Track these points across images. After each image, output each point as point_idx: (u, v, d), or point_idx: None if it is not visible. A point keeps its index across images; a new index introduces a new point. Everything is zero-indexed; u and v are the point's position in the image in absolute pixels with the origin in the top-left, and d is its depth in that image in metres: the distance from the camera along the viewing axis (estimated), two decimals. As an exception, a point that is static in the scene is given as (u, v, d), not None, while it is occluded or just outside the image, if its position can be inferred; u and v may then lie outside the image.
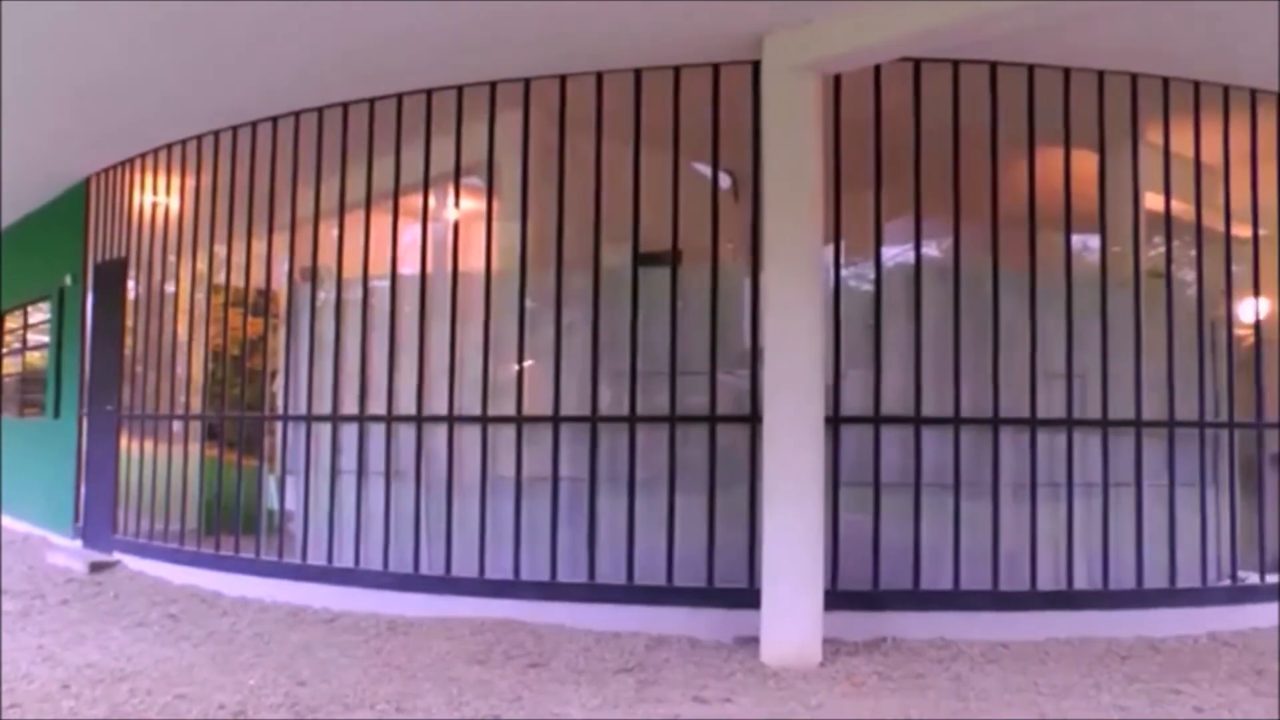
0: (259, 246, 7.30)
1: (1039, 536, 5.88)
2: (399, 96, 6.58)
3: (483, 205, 6.55)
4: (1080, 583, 5.94)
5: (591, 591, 5.91)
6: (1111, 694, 4.70)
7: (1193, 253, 6.42)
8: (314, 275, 7.00)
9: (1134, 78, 6.14)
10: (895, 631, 5.59)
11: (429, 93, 6.50)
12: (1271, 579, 6.31)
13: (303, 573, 6.66)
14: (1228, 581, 6.28)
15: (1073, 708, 4.48)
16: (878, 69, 5.83)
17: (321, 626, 5.95)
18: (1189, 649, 5.57)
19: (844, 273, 5.98)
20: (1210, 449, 6.32)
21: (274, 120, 7.12)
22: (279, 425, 7.30)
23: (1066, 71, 6.03)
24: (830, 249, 5.85)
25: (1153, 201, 6.36)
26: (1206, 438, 6.28)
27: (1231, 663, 5.30)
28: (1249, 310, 6.65)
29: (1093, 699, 4.63)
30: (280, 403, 7.30)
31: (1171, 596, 5.98)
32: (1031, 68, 5.98)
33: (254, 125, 7.24)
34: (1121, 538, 5.98)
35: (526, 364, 6.29)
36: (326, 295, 6.96)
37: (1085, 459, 6.00)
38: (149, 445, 7.93)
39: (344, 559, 6.59)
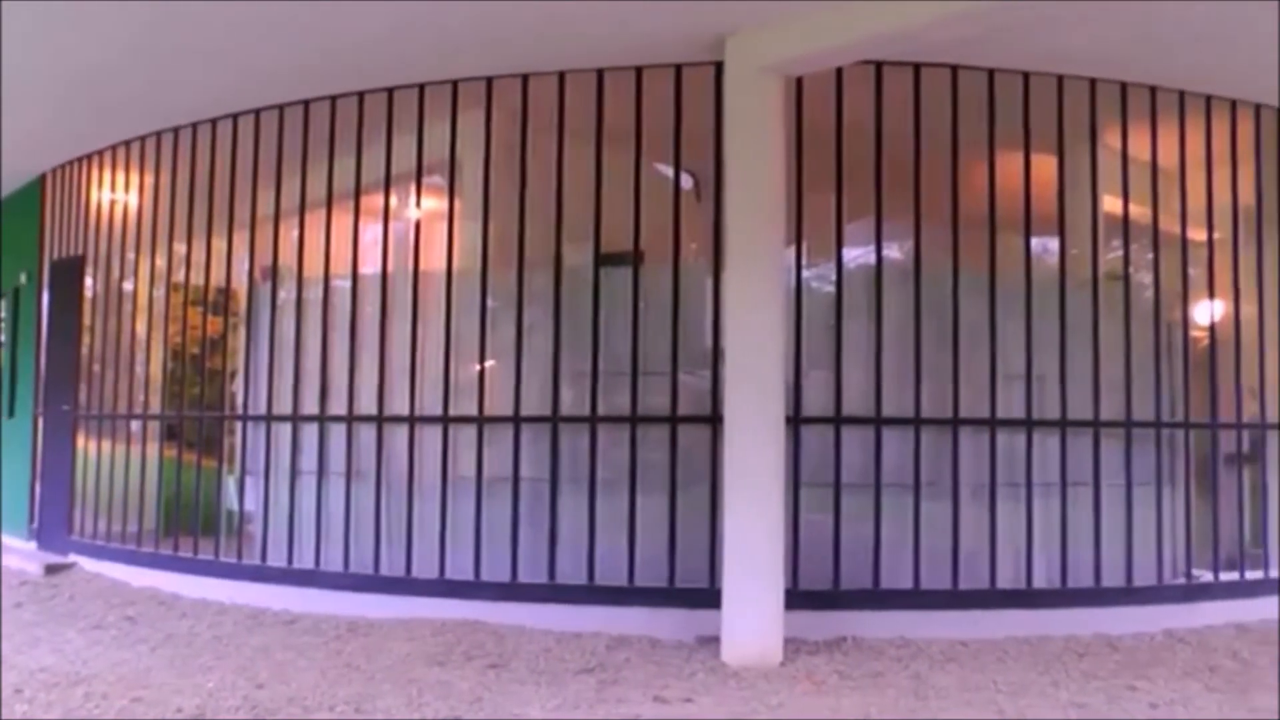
0: (219, 245, 7.23)
1: (998, 536, 5.94)
2: (360, 95, 6.54)
3: (444, 204, 6.52)
4: (1039, 581, 6.00)
5: (552, 592, 5.90)
6: (1069, 691, 4.76)
7: (1150, 256, 6.49)
8: (274, 274, 6.95)
9: (1092, 83, 6.22)
10: (855, 630, 5.62)
11: (390, 91, 6.47)
12: (1225, 577, 6.40)
13: (262, 574, 6.60)
14: (1183, 580, 6.37)
15: (1031, 705, 4.53)
16: (839, 71, 5.86)
17: (281, 628, 5.90)
18: (1145, 646, 5.64)
19: (805, 274, 6.01)
20: (1166, 449, 6.40)
21: (234, 118, 7.05)
22: (239, 425, 7.24)
23: (1026, 76, 6.10)
24: (792, 250, 5.87)
25: (1111, 205, 6.43)
26: (1163, 438, 6.36)
27: (1186, 659, 5.39)
28: (1204, 313, 6.76)
29: (1051, 696, 4.68)
30: (240, 402, 7.23)
31: (1128, 595, 6.06)
32: (992, 72, 6.04)
33: (214, 123, 7.16)
34: (1079, 537, 6.06)
35: (488, 364, 6.27)
36: (287, 294, 6.91)
37: (1044, 459, 6.06)
38: (106, 445, 7.83)
39: (304, 560, 6.53)
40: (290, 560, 6.57)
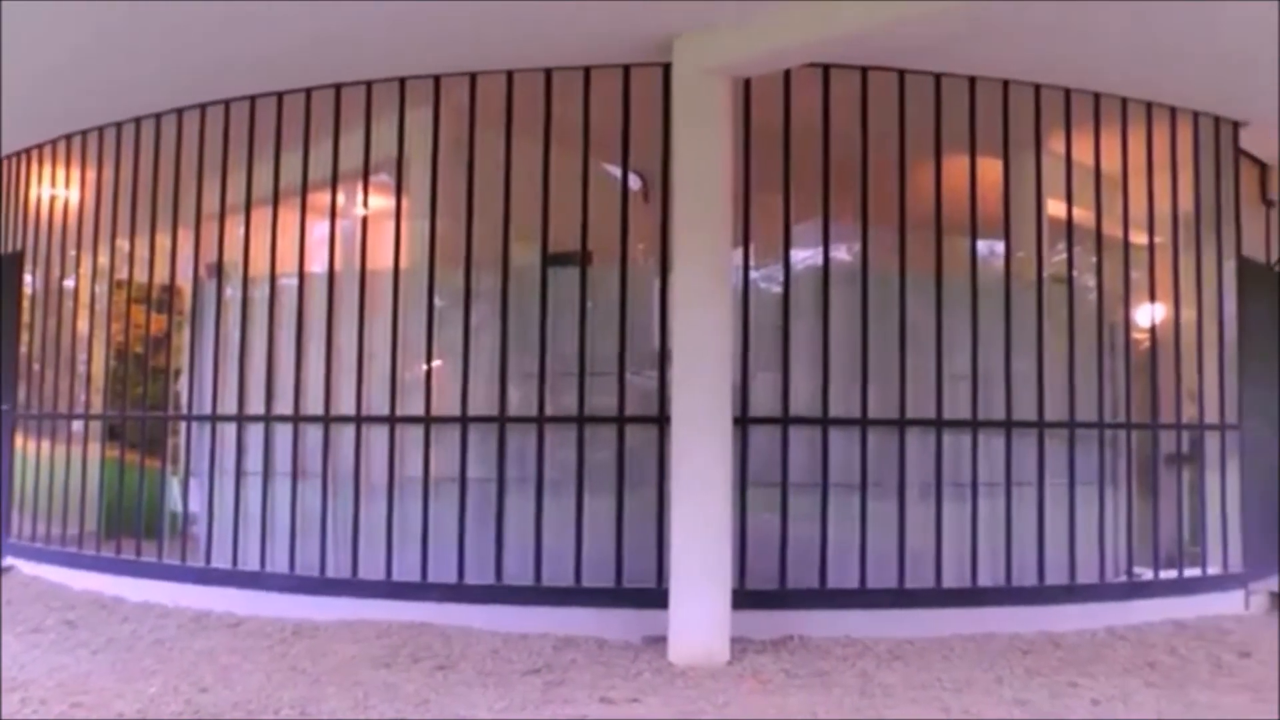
0: (163, 241, 7.10)
1: (944, 535, 6.01)
2: (307, 91, 6.47)
3: (391, 203, 6.46)
4: (984, 580, 6.07)
5: (499, 593, 5.87)
6: (1013, 688, 4.82)
7: (1093, 259, 6.59)
8: (220, 272, 6.86)
9: (1037, 88, 6.30)
10: (802, 630, 5.65)
11: (338, 88, 6.41)
12: (1165, 575, 6.52)
13: (206, 576, 6.51)
14: (1124, 578, 6.48)
15: (975, 702, 4.58)
16: (787, 74, 5.89)
17: (225, 631, 5.82)
18: (1087, 643, 5.73)
19: (753, 274, 6.02)
20: (1109, 449, 6.50)
21: (179, 113, 6.94)
22: (183, 425, 7.12)
23: (972, 80, 6.16)
24: (739, 251, 5.88)
25: (1055, 209, 6.52)
26: (1105, 438, 6.46)
27: (1127, 656, 5.48)
28: (1146, 316, 6.87)
29: (994, 693, 4.73)
30: (184, 402, 7.13)
31: (1071, 592, 6.15)
32: (938, 76, 6.10)
33: (158, 118, 7.05)
34: (1024, 536, 6.14)
35: (435, 364, 6.24)
36: (233, 292, 6.82)
37: (989, 459, 6.13)
38: (46, 446, 7.67)
39: (249, 562, 6.44)
40: (235, 562, 6.48)
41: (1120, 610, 6.19)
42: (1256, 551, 6.94)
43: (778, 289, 6.06)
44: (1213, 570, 6.68)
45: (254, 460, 6.56)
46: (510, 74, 6.10)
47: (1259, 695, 4.73)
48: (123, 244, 7.32)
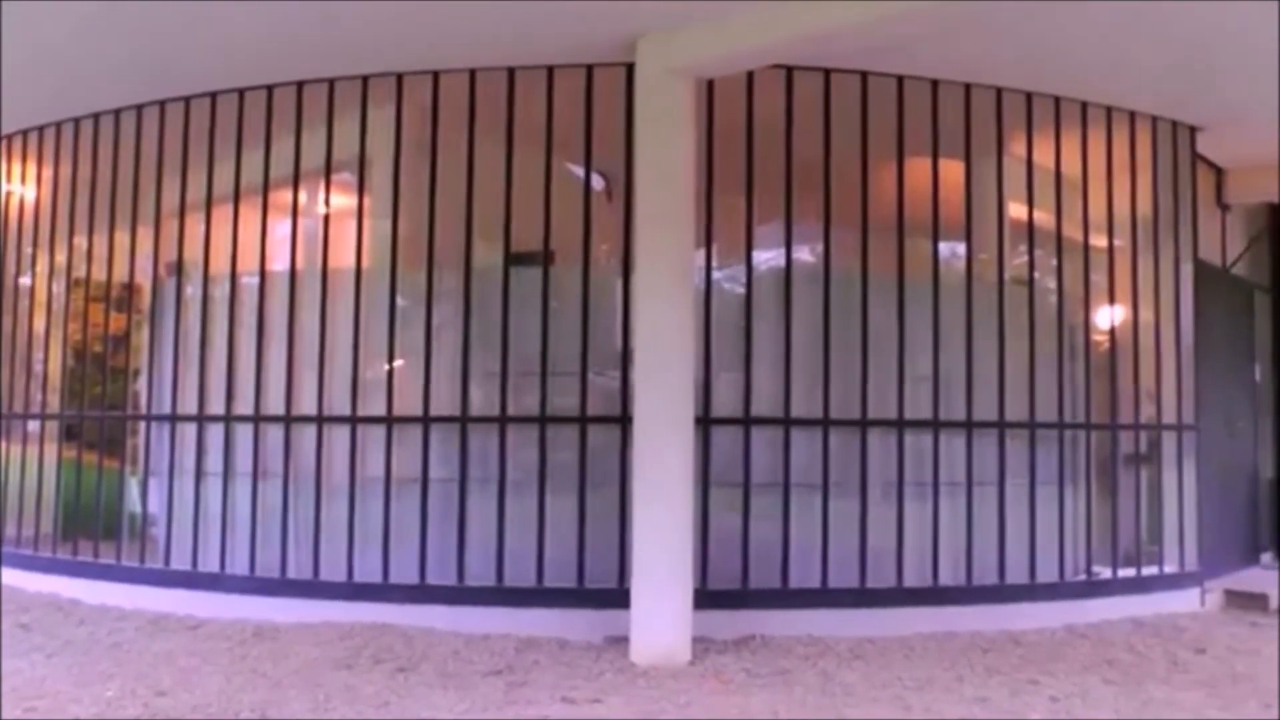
0: (122, 239, 7.03)
1: (905, 535, 6.05)
2: (269, 89, 6.42)
3: (353, 202, 6.44)
4: (945, 579, 6.12)
5: (461, 594, 5.85)
6: (973, 686, 4.86)
7: (1054, 262, 6.66)
8: (180, 270, 6.79)
9: (998, 92, 6.35)
10: (764, 629, 5.67)
11: (299, 85, 6.35)
12: (1123, 573, 6.60)
13: (166, 578, 6.43)
14: (1083, 576, 6.55)
15: (936, 700, 4.62)
16: (750, 75, 5.91)
17: (185, 634, 5.76)
18: (1047, 641, 5.79)
19: (716, 275, 6.04)
20: (1069, 449, 6.57)
21: (139, 109, 6.86)
22: (142, 425, 7.04)
23: (934, 84, 6.20)
24: (702, 252, 5.89)
25: (1016, 211, 6.59)
26: (1065, 438, 6.53)
27: (1086, 653, 5.53)
28: (1105, 317, 6.95)
29: (955, 691, 4.77)
30: (143, 402, 7.04)
31: (1031, 591, 6.22)
32: (901, 79, 6.13)
33: (117, 114, 6.95)
34: (985, 535, 6.19)
35: (397, 364, 6.21)
36: (193, 291, 6.74)
37: (950, 459, 6.18)
38: (2, 446, 7.57)
39: (209, 564, 6.39)
40: (194, 564, 6.42)
41: (1079, 608, 6.26)
42: (1212, 550, 7.04)
43: (740, 289, 6.08)
44: (1170, 569, 6.78)
45: (214, 460, 6.50)
46: (473, 73, 6.08)
47: (1213, 691, 4.80)
48: (81, 242, 7.21)
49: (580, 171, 6.11)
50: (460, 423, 6.00)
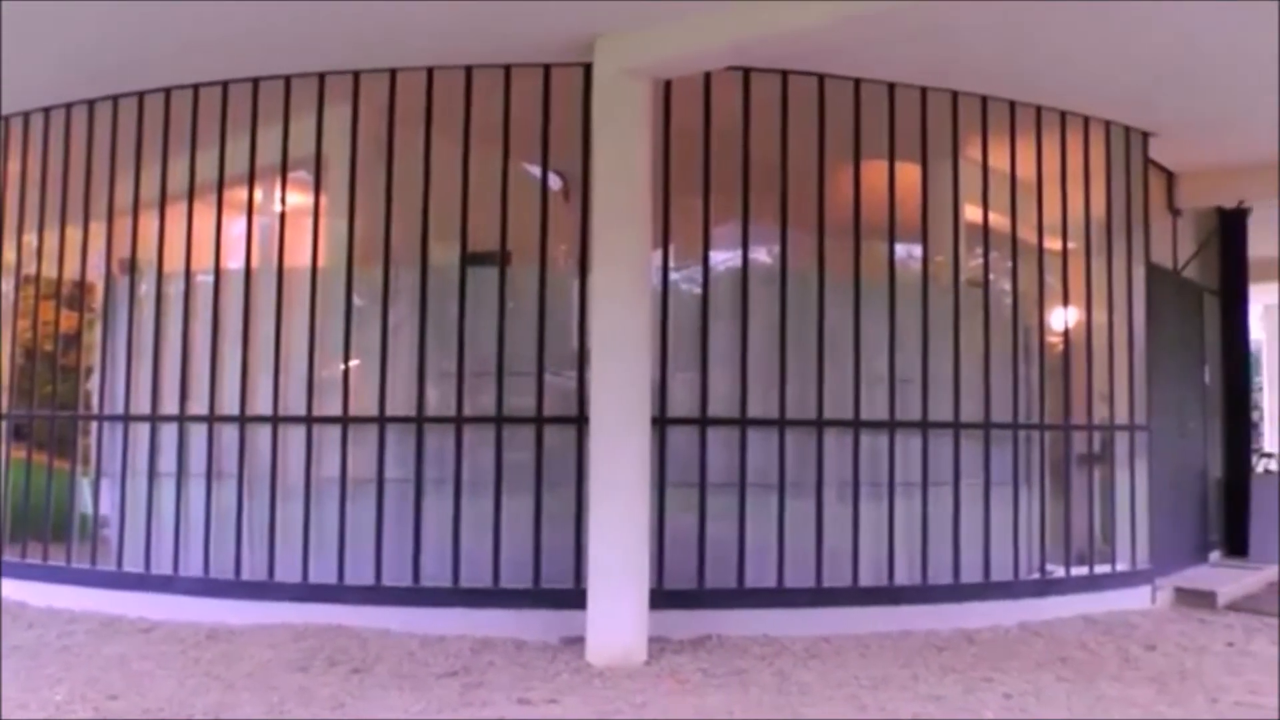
0: (74, 236, 6.92)
1: (861, 534, 6.10)
2: (224, 85, 6.36)
3: (309, 200, 6.38)
4: (900, 578, 6.17)
5: (417, 595, 5.83)
6: (928, 684, 4.90)
7: (1009, 264, 6.73)
8: (133, 268, 6.70)
9: (954, 95, 6.42)
10: (720, 629, 5.69)
11: (255, 82, 6.30)
12: (1076, 572, 6.69)
13: (118, 581, 6.35)
14: (1037, 575, 6.62)
15: (891, 698, 4.65)
16: (708, 76, 5.93)
17: (137, 637, 5.69)
18: (1001, 639, 5.86)
19: (673, 276, 6.06)
20: (1023, 450, 6.64)
21: (90, 104, 6.77)
22: (94, 425, 6.93)
23: (891, 87, 6.27)
24: (659, 252, 5.91)
25: (972, 214, 6.65)
26: (1019, 439, 6.61)
27: (1039, 651, 5.61)
28: (1060, 319, 7.04)
29: (910, 689, 4.81)
30: (96, 401, 6.92)
31: (986, 590, 6.29)
32: (857, 81, 6.19)
33: (68, 108, 6.86)
34: (940, 535, 6.26)
35: (353, 363, 6.17)
36: (147, 289, 6.66)
37: (906, 459, 6.24)
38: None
39: (162, 566, 6.31)
40: (147, 566, 6.34)
41: (1033, 607, 6.33)
42: (1163, 548, 7.15)
43: (697, 290, 6.09)
44: (1122, 567, 6.87)
45: (168, 461, 6.42)
46: (430, 71, 6.05)
47: (1163, 687, 4.88)
48: (31, 239, 7.10)
49: (537, 171, 6.11)
50: (416, 423, 5.98)
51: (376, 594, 5.87)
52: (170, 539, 6.33)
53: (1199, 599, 6.96)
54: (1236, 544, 8.56)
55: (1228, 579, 7.47)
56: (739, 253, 6.08)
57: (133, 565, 6.40)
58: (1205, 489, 8.50)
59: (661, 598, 5.51)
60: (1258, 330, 14.39)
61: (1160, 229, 7.80)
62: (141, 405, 6.53)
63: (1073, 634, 5.99)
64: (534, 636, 5.60)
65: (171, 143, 6.55)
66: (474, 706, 4.48)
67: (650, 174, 5.52)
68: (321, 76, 6.20)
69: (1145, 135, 7.25)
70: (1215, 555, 8.44)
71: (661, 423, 5.78)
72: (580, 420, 5.70)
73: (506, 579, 5.82)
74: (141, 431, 6.54)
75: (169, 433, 6.44)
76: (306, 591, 5.94)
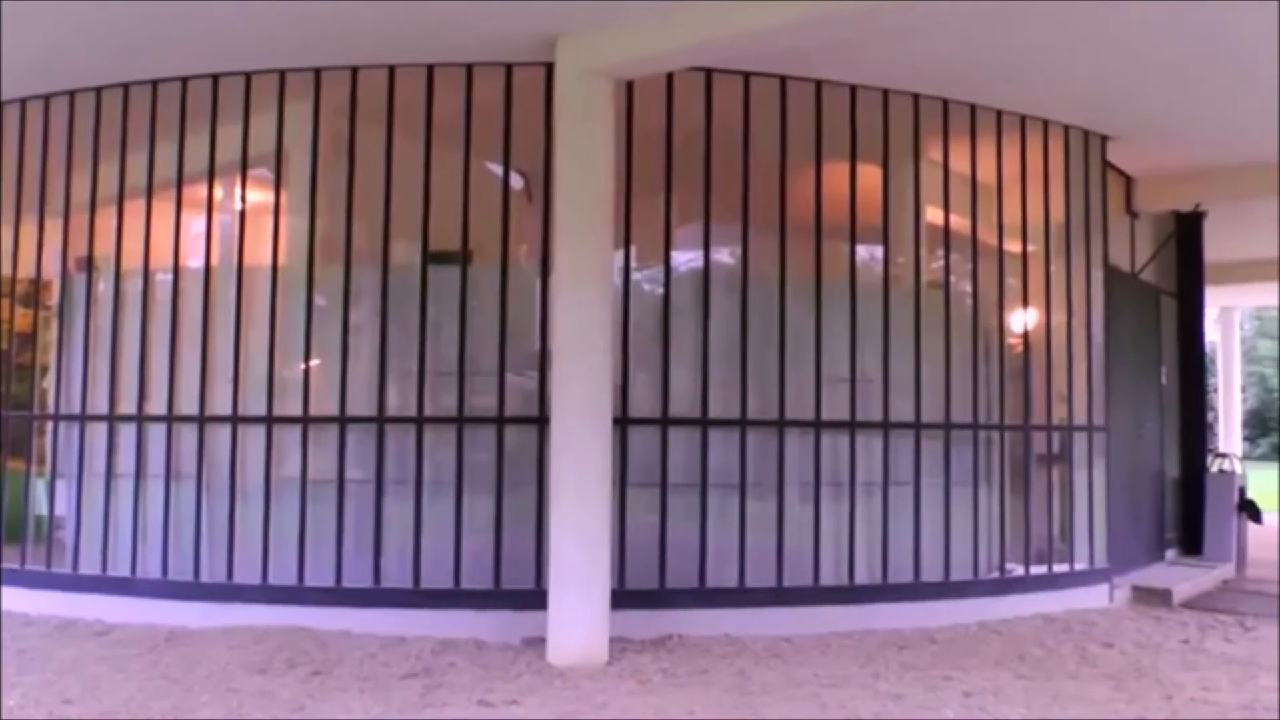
0: (29, 233, 6.83)
1: (822, 534, 6.14)
2: (183, 80, 6.29)
3: (270, 198, 6.34)
4: (861, 577, 6.22)
5: (378, 596, 5.81)
6: (889, 683, 4.93)
7: (969, 266, 6.79)
8: (90, 265, 6.62)
9: (916, 98, 6.47)
10: (681, 629, 5.70)
11: (215, 78, 6.24)
12: (1035, 570, 6.76)
13: (74, 583, 6.27)
14: (997, 574, 6.69)
15: (852, 697, 4.68)
16: (670, 77, 5.94)
17: (94, 640, 5.62)
18: (961, 637, 5.92)
19: (634, 276, 6.07)
20: (983, 450, 6.71)
21: (46, 99, 6.67)
22: (50, 425, 6.84)
23: (853, 89, 6.30)
24: (621, 252, 5.91)
25: (933, 216, 6.71)
26: (979, 439, 6.67)
27: (999, 649, 5.67)
28: (1019, 321, 7.11)
29: (871, 688, 4.84)
30: (51, 401, 6.83)
31: (946, 589, 6.35)
32: (819, 83, 6.22)
33: (23, 102, 6.76)
34: (900, 534, 6.31)
35: (313, 363, 6.12)
36: (104, 287, 6.58)
37: (867, 459, 6.29)
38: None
39: (119, 568, 6.23)
40: (104, 568, 6.26)
41: (993, 605, 6.40)
42: (1120, 547, 7.26)
43: (659, 290, 6.11)
44: (1080, 565, 6.96)
45: (126, 461, 6.36)
46: (392, 69, 6.02)
47: (1119, 684, 4.94)
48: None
49: (499, 170, 6.09)
50: (377, 423, 5.95)
51: (337, 595, 5.83)
52: (128, 540, 6.25)
53: (1155, 597, 7.05)
54: (1192, 543, 8.70)
55: (1183, 577, 7.59)
56: (701, 253, 6.11)
57: (89, 567, 6.32)
58: (1161, 488, 8.62)
59: (623, 598, 5.51)
60: (1213, 332, 14.65)
61: (1118, 232, 7.89)
62: (99, 405, 6.45)
63: (1031, 632, 6.05)
64: (495, 637, 5.59)
65: (130, 139, 6.48)
66: (435, 708, 4.47)
67: (612, 174, 5.52)
68: (282, 73, 6.15)
69: (1104, 139, 7.35)
70: (1171, 554, 8.57)
71: (623, 423, 5.78)
72: (542, 420, 5.70)
73: (468, 580, 5.81)
74: (99, 431, 6.46)
75: (127, 433, 6.37)
76: (266, 593, 5.90)
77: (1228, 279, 11.17)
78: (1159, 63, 5.99)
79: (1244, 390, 22.58)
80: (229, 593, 5.95)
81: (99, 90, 6.52)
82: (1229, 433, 15.11)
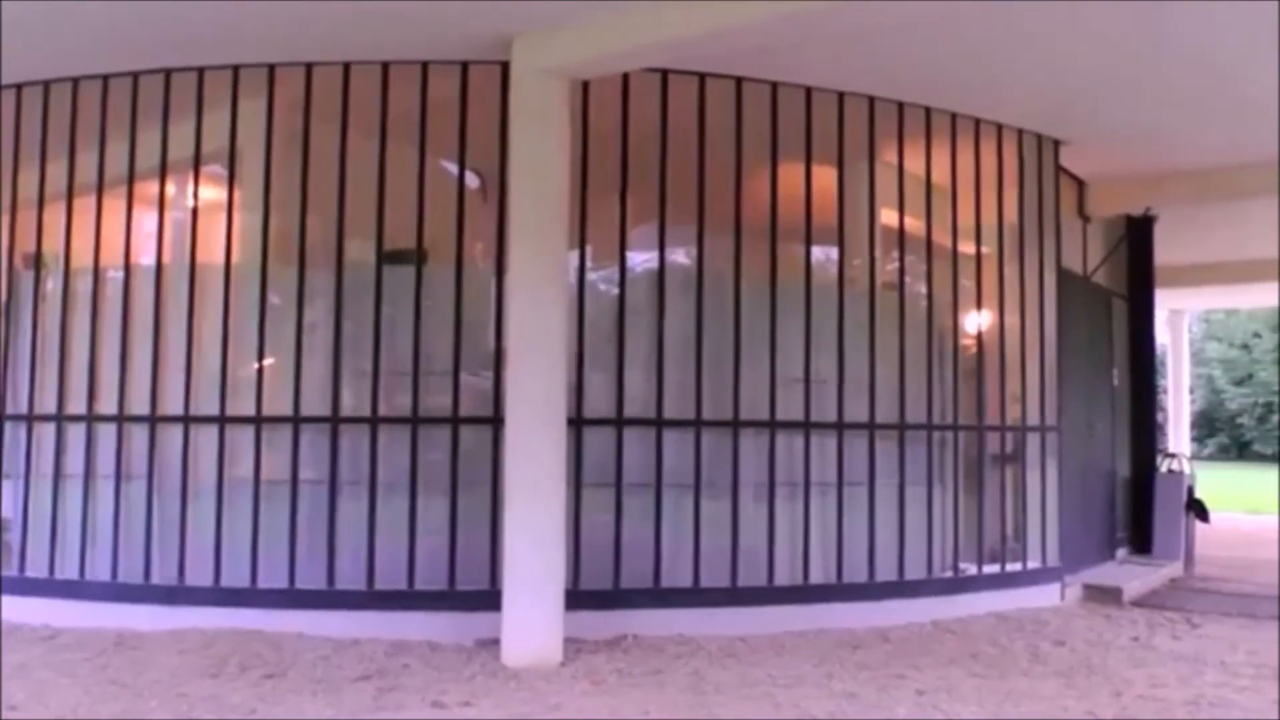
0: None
1: (777, 534, 6.16)
2: (134, 76, 6.21)
3: (223, 195, 6.26)
4: (816, 577, 6.25)
5: (331, 598, 5.75)
6: (842, 682, 4.96)
7: (924, 267, 6.85)
8: (38, 262, 6.52)
9: (871, 100, 6.51)
10: (636, 629, 5.71)
11: (167, 73, 6.16)
12: (988, 570, 6.84)
13: (20, 586, 6.14)
14: (950, 573, 6.75)
15: (806, 696, 4.71)
16: (626, 78, 5.95)
17: (40, 645, 5.52)
18: (915, 637, 5.97)
19: (590, 276, 6.06)
20: (937, 450, 6.76)
21: (-8, 92, 6.57)
22: (-5, 425, 6.75)
23: (808, 91, 6.34)
24: (577, 252, 5.90)
25: (888, 218, 6.77)
26: (934, 439, 6.73)
27: (952, 648, 5.72)
28: (973, 322, 7.19)
29: (824, 687, 4.87)
30: (-2, 401, 6.75)
31: (900, 588, 6.40)
32: (775, 85, 6.26)
33: (-33, 96, 6.66)
34: (855, 534, 6.35)
35: (266, 362, 6.06)
36: (53, 285, 6.47)
37: (822, 460, 6.32)
38: None
39: (67, 570, 6.13)
40: (51, 570, 6.15)
41: (946, 604, 6.46)
42: (1072, 546, 7.35)
43: (614, 291, 6.11)
44: (1032, 564, 7.04)
45: (74, 462, 6.24)
46: (347, 66, 5.98)
47: (1070, 681, 5.01)
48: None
49: (455, 169, 6.07)
50: (331, 423, 5.90)
51: (290, 597, 5.77)
52: (76, 543, 6.14)
53: (1106, 595, 7.15)
54: (1141, 541, 8.83)
55: (1133, 575, 7.71)
56: (656, 254, 6.11)
57: (36, 570, 6.21)
58: (1112, 488, 8.75)
59: (577, 598, 5.52)
60: (1163, 334, 14.89)
61: (1071, 235, 8.00)
62: (47, 404, 6.34)
63: (984, 630, 6.12)
64: (449, 639, 5.56)
65: (80, 134, 6.38)
66: (388, 710, 4.44)
67: (568, 174, 5.51)
68: (235, 69, 6.08)
69: (1056, 143, 7.44)
70: (1122, 552, 8.70)
71: (578, 423, 5.78)
72: (496, 420, 5.67)
73: (422, 581, 5.77)
74: (47, 431, 6.34)
75: (76, 433, 6.26)
76: (218, 595, 5.83)
77: (1177, 282, 11.36)
78: (1110, 69, 6.09)
79: (1192, 392, 23.00)
80: (180, 595, 5.87)
81: (47, 84, 6.40)
82: (1178, 433, 15.36)
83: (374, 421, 5.88)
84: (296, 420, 5.91)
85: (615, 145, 6.01)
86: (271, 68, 6.05)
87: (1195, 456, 13.41)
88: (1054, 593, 7.01)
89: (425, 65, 5.93)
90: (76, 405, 6.26)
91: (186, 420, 6.05)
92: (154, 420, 6.10)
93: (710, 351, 6.09)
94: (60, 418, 6.29)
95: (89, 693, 4.62)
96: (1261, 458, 34.34)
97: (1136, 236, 9.22)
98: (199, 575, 5.91)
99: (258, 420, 5.97)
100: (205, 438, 6.04)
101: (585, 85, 5.78)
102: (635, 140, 6.03)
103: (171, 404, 6.09)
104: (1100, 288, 8.80)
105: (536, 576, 5.28)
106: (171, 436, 6.09)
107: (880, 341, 6.48)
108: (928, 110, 6.71)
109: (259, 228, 6.08)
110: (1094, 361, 8.50)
